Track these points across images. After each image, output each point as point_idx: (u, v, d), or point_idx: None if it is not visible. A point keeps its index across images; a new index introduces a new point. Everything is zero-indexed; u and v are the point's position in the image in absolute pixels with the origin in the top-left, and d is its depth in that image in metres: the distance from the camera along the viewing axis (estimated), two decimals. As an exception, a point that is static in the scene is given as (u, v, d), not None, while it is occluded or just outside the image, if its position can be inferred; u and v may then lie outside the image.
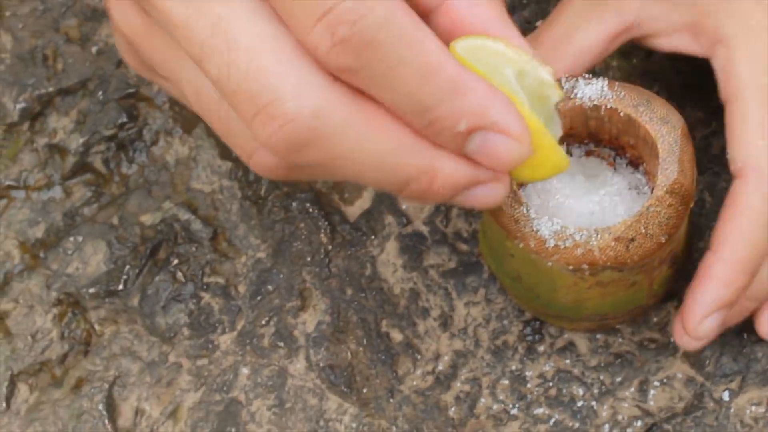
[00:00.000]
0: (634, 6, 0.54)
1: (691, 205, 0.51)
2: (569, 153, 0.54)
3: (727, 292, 0.53)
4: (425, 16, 0.42)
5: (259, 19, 0.39)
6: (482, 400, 0.59)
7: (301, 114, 0.38)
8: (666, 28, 0.54)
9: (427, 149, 0.40)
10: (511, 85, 0.41)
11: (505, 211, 0.50)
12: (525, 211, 0.50)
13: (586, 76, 0.52)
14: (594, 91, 0.52)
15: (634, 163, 0.54)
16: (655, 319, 0.60)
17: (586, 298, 0.53)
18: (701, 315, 0.53)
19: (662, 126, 0.52)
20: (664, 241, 0.50)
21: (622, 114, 0.52)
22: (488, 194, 0.42)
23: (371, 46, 0.38)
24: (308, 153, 0.39)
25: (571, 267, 0.50)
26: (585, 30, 0.54)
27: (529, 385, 0.59)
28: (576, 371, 0.59)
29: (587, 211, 0.53)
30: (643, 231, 0.50)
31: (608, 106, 0.52)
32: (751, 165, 0.52)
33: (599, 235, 0.50)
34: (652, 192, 0.53)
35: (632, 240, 0.50)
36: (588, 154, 0.55)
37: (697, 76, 0.60)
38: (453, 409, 0.59)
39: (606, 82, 0.52)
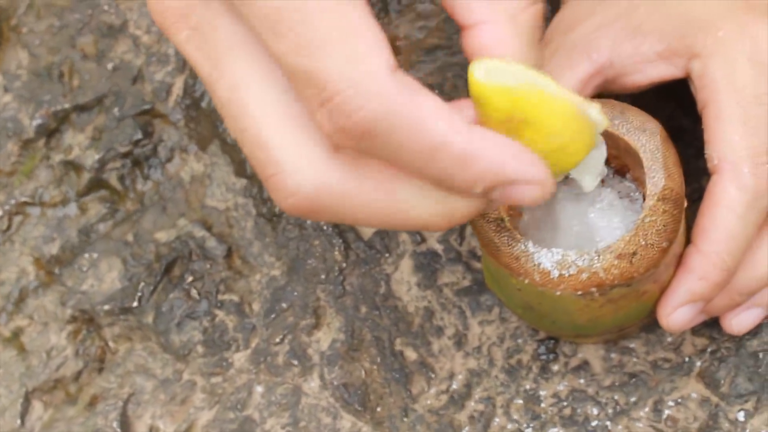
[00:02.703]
0: (604, 47, 0.55)
1: (685, 205, 0.52)
2: None
3: (701, 284, 0.53)
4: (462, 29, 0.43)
5: (272, 88, 0.41)
6: (496, 419, 0.59)
7: (301, 190, 0.41)
8: (639, 63, 0.55)
9: (440, 198, 0.42)
10: (535, 79, 0.41)
11: (504, 251, 0.50)
12: (524, 247, 0.50)
13: None
14: None
15: (621, 172, 0.55)
16: (669, 339, 0.59)
17: (600, 316, 0.53)
18: (672, 306, 0.54)
19: (641, 135, 0.52)
20: (666, 247, 0.50)
21: None
22: (525, 195, 0.43)
23: (369, 135, 0.39)
24: (317, 217, 0.42)
25: (579, 292, 0.50)
26: (559, 77, 0.55)
27: (543, 405, 0.59)
28: (590, 391, 0.59)
29: (584, 232, 0.53)
30: (643, 243, 0.50)
31: None
32: (727, 159, 0.53)
33: (601, 256, 0.50)
34: (643, 197, 0.53)
35: (634, 254, 0.50)
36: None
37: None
38: (467, 428, 0.59)
39: None
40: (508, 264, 0.50)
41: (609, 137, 0.52)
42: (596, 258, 0.50)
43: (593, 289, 0.50)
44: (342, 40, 0.39)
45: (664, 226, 0.50)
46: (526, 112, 0.41)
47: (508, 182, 0.41)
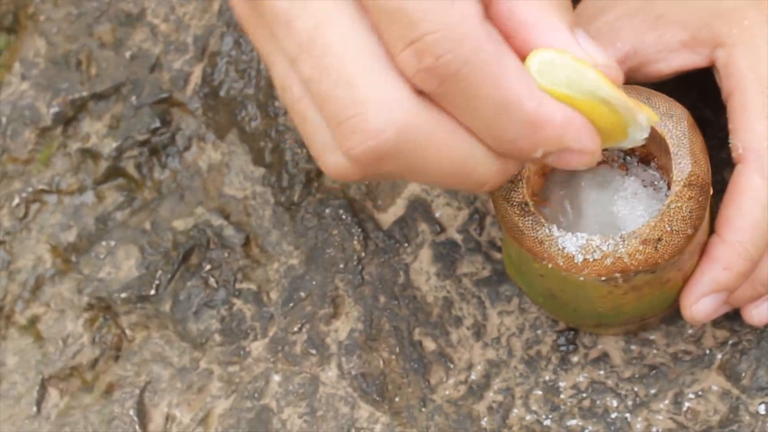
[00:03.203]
0: (628, 36, 0.55)
1: (711, 193, 0.51)
2: None
3: (725, 274, 0.53)
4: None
5: (358, 27, 0.40)
6: (515, 410, 0.59)
7: (385, 131, 0.40)
8: (663, 51, 0.55)
9: (499, 156, 0.42)
10: (586, 81, 0.42)
11: (528, 235, 0.50)
12: (548, 231, 0.50)
13: None
14: None
15: (645, 160, 0.54)
16: (689, 331, 0.59)
17: (623, 304, 0.53)
18: (696, 296, 0.54)
19: (667, 120, 0.52)
20: (691, 234, 0.50)
21: None
22: (575, 161, 0.44)
23: (453, 78, 0.39)
24: (387, 164, 0.41)
25: (603, 278, 0.50)
26: None
27: (562, 396, 0.59)
28: (610, 382, 0.59)
29: (607, 220, 0.53)
30: (669, 229, 0.50)
31: None
32: (752, 149, 0.53)
33: (626, 241, 0.50)
34: (667, 186, 0.53)
35: (659, 240, 0.50)
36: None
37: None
38: (485, 419, 0.59)
39: None
40: (531, 248, 0.50)
41: None
42: (621, 243, 0.50)
43: (617, 275, 0.50)
44: None
45: (689, 212, 0.50)
46: (574, 108, 0.43)
47: (566, 149, 0.42)
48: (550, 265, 0.50)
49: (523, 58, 0.42)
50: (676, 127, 0.51)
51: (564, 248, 0.50)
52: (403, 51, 0.39)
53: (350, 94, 0.40)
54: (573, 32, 0.42)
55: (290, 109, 0.43)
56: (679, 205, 0.50)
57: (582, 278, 0.50)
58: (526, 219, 0.50)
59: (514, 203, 0.51)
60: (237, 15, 0.45)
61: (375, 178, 0.43)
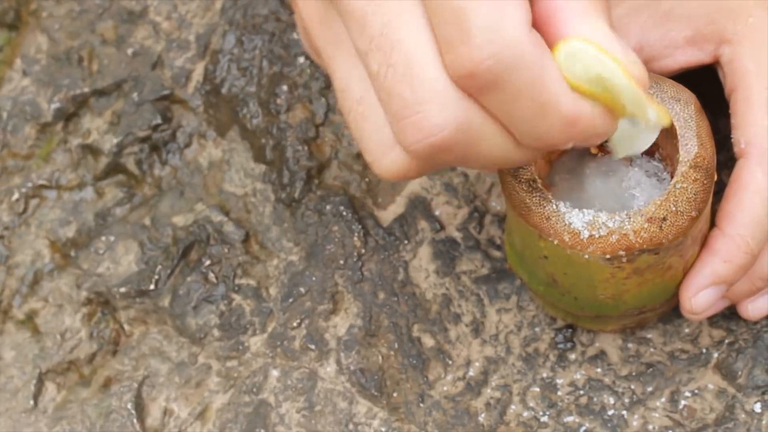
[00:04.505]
0: (634, 32, 0.56)
1: (715, 178, 0.52)
2: (582, 153, 0.55)
3: (725, 267, 0.54)
4: None
5: (423, 27, 0.43)
6: (513, 406, 0.59)
7: (445, 129, 0.43)
8: (668, 48, 0.56)
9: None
10: (606, 71, 0.44)
11: (535, 211, 0.51)
12: (555, 207, 0.51)
13: None
14: None
15: (650, 151, 0.55)
16: (686, 330, 0.60)
17: (624, 291, 0.53)
18: (696, 288, 0.54)
19: (675, 104, 0.52)
20: (695, 216, 0.51)
21: None
22: (593, 142, 0.46)
23: (495, 82, 0.42)
24: (442, 157, 0.44)
25: (608, 256, 0.50)
26: None
27: (559, 393, 0.59)
28: (607, 380, 0.59)
29: (611, 209, 0.54)
30: (674, 209, 0.50)
31: None
32: (754, 143, 0.53)
33: (631, 219, 0.50)
34: (671, 176, 0.53)
35: (664, 219, 0.50)
36: (600, 149, 0.55)
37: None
38: (483, 415, 0.59)
39: None
40: (538, 224, 0.51)
41: None
42: (627, 220, 0.50)
43: (621, 253, 0.50)
44: None
45: (694, 194, 0.50)
46: (592, 96, 0.44)
47: (590, 139, 0.45)
48: (555, 242, 0.50)
49: (555, 42, 0.44)
50: (684, 111, 0.52)
51: (570, 224, 0.50)
52: (450, 53, 0.42)
53: (414, 92, 0.42)
54: (607, 22, 0.44)
55: (348, 110, 0.46)
56: (684, 186, 0.50)
57: (587, 256, 0.50)
58: (534, 195, 0.51)
59: (522, 180, 0.51)
60: (302, 19, 0.47)
61: (427, 172, 0.46)
